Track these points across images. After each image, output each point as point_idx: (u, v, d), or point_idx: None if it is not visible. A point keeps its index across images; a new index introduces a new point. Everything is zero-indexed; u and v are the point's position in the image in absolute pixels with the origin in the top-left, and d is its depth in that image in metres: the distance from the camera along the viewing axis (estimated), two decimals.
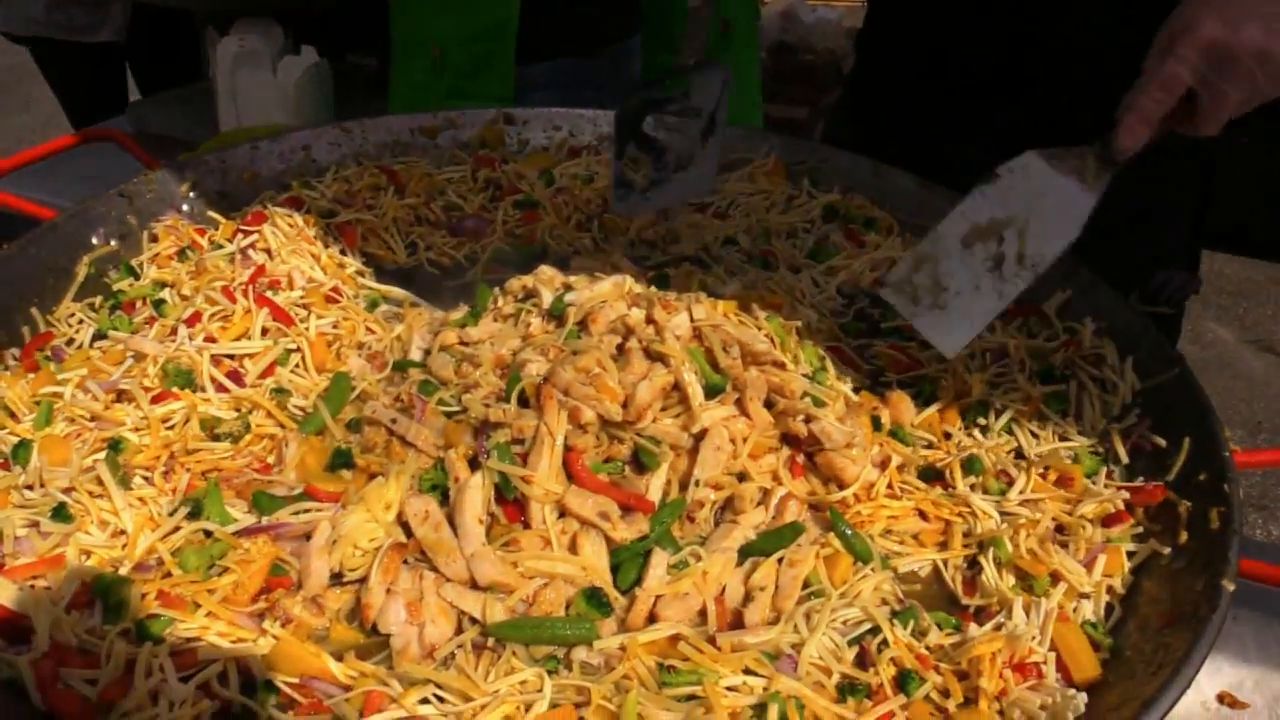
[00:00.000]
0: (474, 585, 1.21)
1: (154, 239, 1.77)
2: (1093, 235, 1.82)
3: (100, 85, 3.89)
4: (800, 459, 1.40)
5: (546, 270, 1.68)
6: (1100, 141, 1.40)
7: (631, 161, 1.80)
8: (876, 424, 1.47)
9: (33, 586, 1.12)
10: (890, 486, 1.39)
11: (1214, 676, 1.35)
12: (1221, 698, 1.33)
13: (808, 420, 1.40)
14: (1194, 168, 2.05)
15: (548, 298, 1.57)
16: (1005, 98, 1.95)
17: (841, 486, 1.37)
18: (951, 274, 1.50)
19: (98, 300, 1.65)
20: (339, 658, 1.12)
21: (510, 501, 1.27)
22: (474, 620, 1.19)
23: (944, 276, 1.50)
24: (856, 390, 1.57)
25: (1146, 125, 1.34)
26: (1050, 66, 1.91)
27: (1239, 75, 1.28)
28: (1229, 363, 4.99)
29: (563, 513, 1.27)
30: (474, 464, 1.30)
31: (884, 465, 1.39)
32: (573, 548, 1.25)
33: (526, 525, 1.26)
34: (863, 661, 1.18)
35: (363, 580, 1.20)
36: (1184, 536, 1.31)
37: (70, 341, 1.56)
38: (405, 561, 1.23)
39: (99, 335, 1.56)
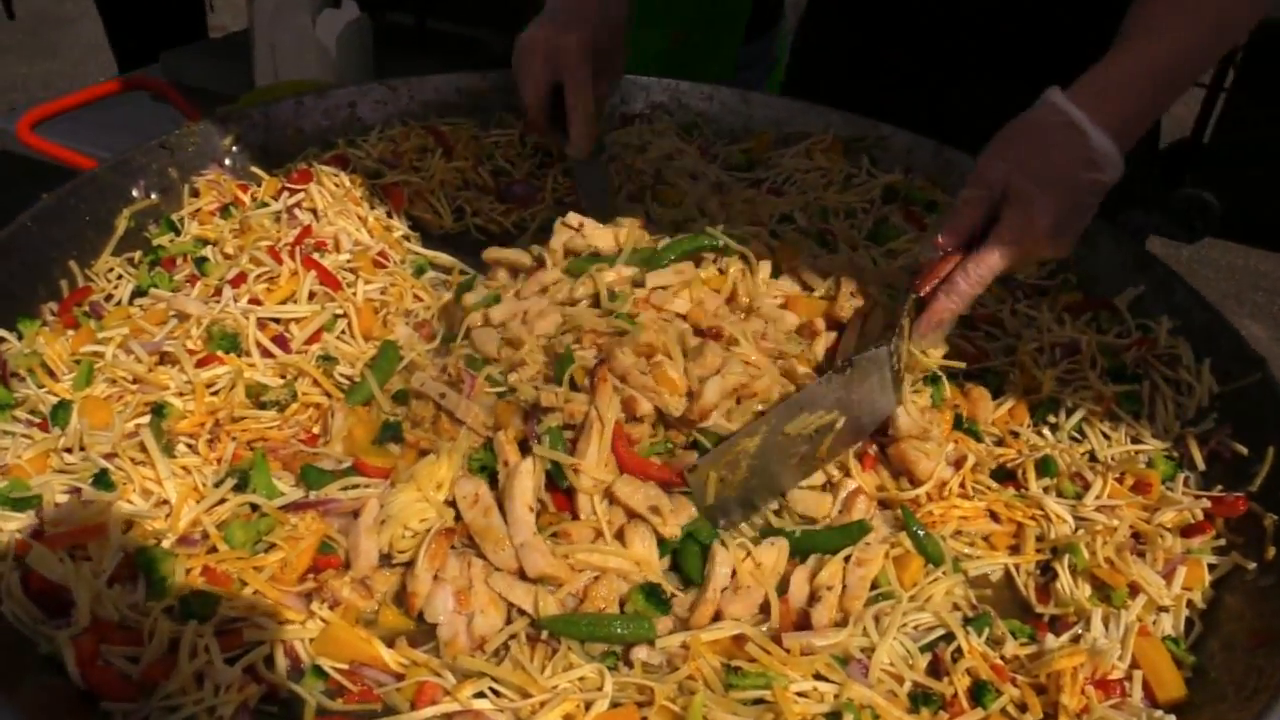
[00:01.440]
0: (522, 575, 1.16)
1: (195, 193, 1.71)
2: None
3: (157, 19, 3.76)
4: (872, 450, 1.34)
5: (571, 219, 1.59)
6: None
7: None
8: (959, 421, 1.41)
9: (73, 557, 1.07)
10: (962, 486, 1.33)
11: None
12: None
13: None
14: None
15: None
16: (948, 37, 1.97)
17: (913, 482, 1.31)
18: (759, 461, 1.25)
19: (137, 255, 1.60)
20: (389, 643, 1.07)
21: (560, 490, 1.21)
22: (521, 612, 1.13)
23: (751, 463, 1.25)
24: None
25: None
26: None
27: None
28: None
29: (611, 500, 1.21)
30: (524, 447, 1.24)
31: (959, 464, 1.33)
32: (619, 538, 1.19)
33: (575, 515, 1.20)
34: (935, 670, 1.12)
35: (410, 564, 1.15)
36: (1271, 552, 1.25)
37: (109, 297, 1.50)
38: (453, 547, 1.17)
39: (138, 292, 1.50)
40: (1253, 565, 1.25)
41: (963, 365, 1.49)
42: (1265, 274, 5.66)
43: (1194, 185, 5.63)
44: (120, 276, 1.54)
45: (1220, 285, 5.47)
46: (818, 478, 1.34)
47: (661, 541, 1.19)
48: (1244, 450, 1.39)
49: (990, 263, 1.33)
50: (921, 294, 1.38)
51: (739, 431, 1.24)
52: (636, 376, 1.25)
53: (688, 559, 1.21)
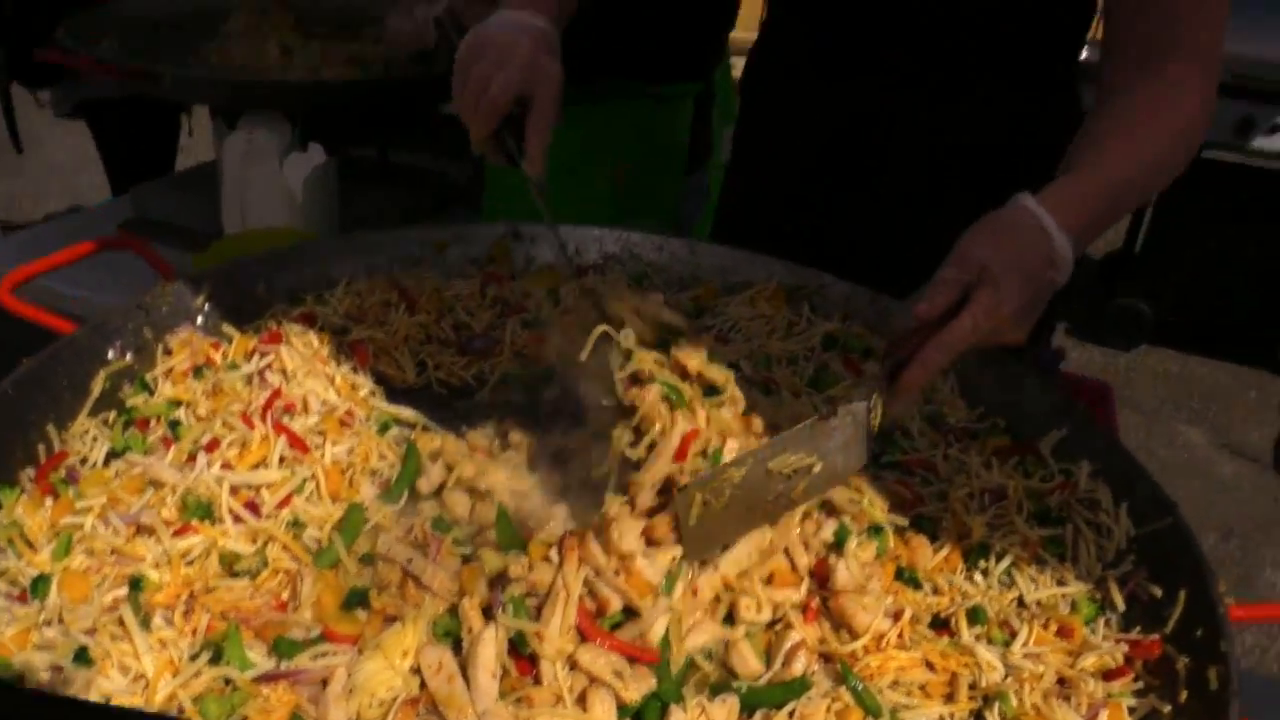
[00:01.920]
0: None
1: (168, 352, 1.79)
2: None
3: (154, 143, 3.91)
4: (815, 603, 1.43)
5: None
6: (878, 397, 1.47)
7: None
8: (900, 573, 1.50)
9: None
10: (900, 636, 1.41)
11: None
12: None
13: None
14: None
15: None
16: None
17: (852, 634, 1.40)
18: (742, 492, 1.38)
19: (110, 416, 1.66)
20: None
21: (523, 656, 1.28)
22: None
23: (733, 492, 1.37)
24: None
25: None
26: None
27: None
28: (1200, 466, 5.08)
29: (573, 667, 1.28)
30: (488, 612, 1.31)
31: (898, 616, 1.42)
32: (581, 701, 1.26)
33: (538, 681, 1.27)
34: None
35: None
36: (1184, 695, 1.34)
37: (84, 461, 1.56)
38: (417, 715, 1.23)
39: (113, 453, 1.56)
40: (1168, 708, 1.33)
41: (905, 521, 1.59)
42: (1201, 379, 5.88)
43: (1127, 295, 5.89)
44: (95, 438, 1.60)
45: (1158, 392, 5.67)
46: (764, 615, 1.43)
47: (621, 706, 1.26)
48: (1158, 593, 1.49)
49: (962, 335, 1.45)
50: (895, 361, 1.49)
51: (729, 461, 1.36)
52: (610, 577, 1.32)
53: (649, 714, 1.27)
